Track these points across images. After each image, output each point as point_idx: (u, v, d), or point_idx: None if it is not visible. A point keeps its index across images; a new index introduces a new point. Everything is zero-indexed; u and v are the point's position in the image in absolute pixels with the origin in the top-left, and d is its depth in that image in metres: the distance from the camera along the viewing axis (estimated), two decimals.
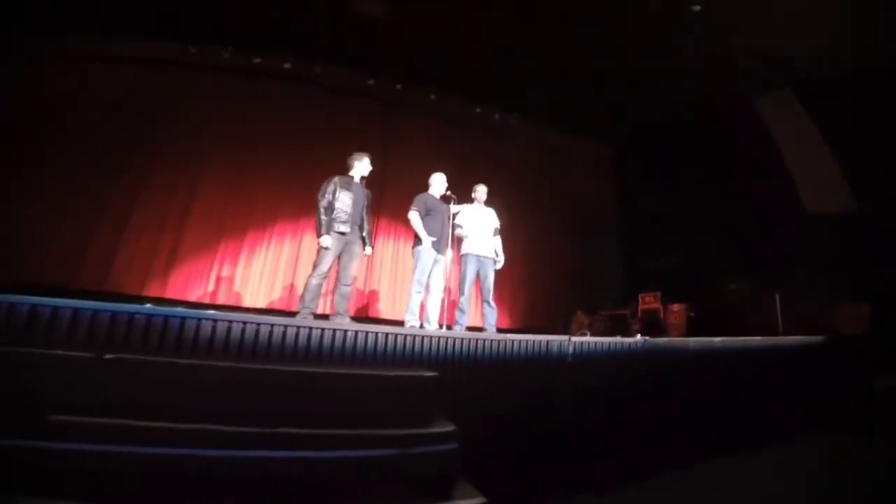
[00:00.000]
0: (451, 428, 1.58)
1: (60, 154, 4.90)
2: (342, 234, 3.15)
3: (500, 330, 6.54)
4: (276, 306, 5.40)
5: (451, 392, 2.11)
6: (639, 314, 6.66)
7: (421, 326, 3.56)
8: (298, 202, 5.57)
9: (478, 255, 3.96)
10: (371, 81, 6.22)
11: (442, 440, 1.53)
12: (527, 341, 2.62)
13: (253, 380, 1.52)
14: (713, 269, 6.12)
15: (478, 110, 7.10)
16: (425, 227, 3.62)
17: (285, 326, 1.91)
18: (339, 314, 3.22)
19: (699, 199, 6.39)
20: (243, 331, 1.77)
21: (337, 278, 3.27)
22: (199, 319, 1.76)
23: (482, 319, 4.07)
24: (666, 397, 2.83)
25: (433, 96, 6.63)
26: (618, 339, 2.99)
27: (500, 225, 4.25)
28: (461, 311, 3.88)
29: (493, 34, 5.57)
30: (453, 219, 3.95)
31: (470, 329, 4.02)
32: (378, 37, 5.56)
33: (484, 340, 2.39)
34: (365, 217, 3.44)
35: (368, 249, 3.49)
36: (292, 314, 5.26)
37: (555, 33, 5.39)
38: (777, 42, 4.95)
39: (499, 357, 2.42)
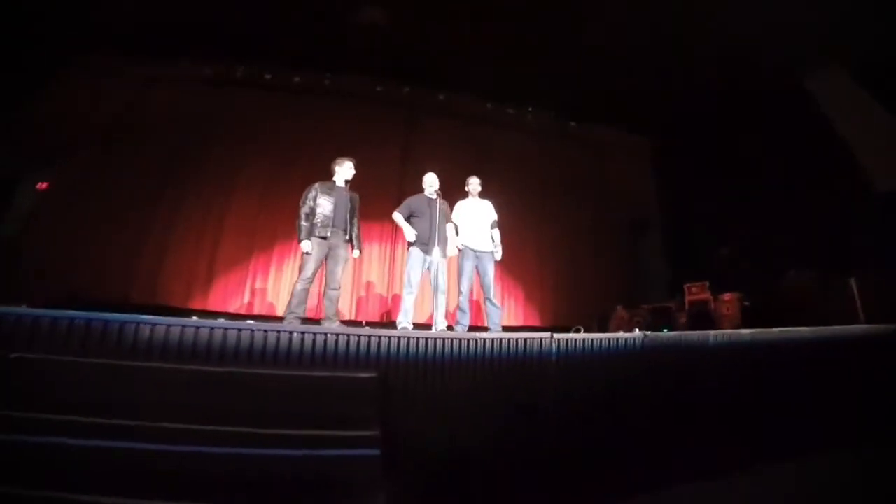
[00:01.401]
0: (371, 433, 1.52)
1: (110, 173, 5.44)
2: (323, 238, 3.23)
3: (506, 329, 6.35)
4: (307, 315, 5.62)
5: (401, 396, 2.04)
6: (686, 306, 6.03)
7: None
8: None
9: (474, 250, 3.82)
10: (379, 88, 6.35)
11: (359, 445, 1.48)
12: (499, 340, 2.46)
13: (190, 380, 1.59)
14: (771, 256, 5.39)
15: (489, 106, 6.93)
16: (413, 228, 3.59)
17: (238, 330, 2.00)
18: (328, 318, 3.30)
19: (751, 185, 5.69)
20: (195, 335, 1.89)
21: (325, 283, 3.35)
22: (149, 324, 1.90)
23: (486, 319, 3.90)
24: (671, 404, 2.48)
25: (442, 97, 6.61)
26: (613, 334, 2.69)
27: (497, 218, 4.07)
28: (461, 310, 3.78)
29: (508, 29, 5.40)
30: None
31: (473, 329, 3.90)
32: (388, 43, 5.67)
33: (440, 340, 2.29)
34: (351, 220, 3.48)
35: (356, 253, 3.54)
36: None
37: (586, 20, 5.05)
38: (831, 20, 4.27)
39: (461, 358, 2.30)
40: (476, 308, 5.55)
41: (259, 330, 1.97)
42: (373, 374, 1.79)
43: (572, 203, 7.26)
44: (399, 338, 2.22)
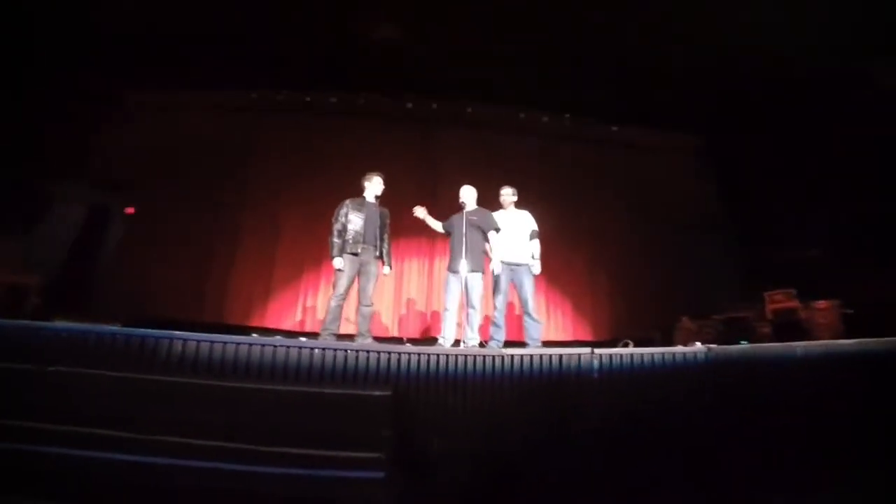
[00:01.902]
0: (376, 455, 1.42)
1: (177, 199, 5.80)
2: (355, 254, 3.25)
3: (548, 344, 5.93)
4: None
5: (418, 415, 1.92)
6: (768, 315, 5.24)
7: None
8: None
9: (508, 263, 3.64)
10: (409, 105, 6.44)
11: (364, 467, 1.39)
12: (529, 356, 2.26)
13: (197, 394, 1.62)
14: (868, 257, 4.50)
15: (522, 116, 6.71)
16: (451, 246, 3.54)
17: (249, 345, 2.03)
18: (361, 335, 3.29)
19: (832, 179, 4.88)
20: (210, 350, 1.95)
21: (358, 299, 3.36)
22: (176, 340, 1.99)
23: (524, 334, 3.67)
24: (741, 431, 2.08)
25: (470, 109, 6.54)
26: (669, 349, 2.34)
27: (537, 229, 3.86)
28: (496, 325, 3.60)
29: (537, 35, 5.28)
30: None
31: (509, 344, 3.69)
32: (405, 58, 5.78)
33: (461, 356, 2.14)
34: (382, 236, 3.48)
35: (386, 269, 3.52)
36: (381, 339, 5.61)
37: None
38: None
39: (485, 376, 2.13)
40: (518, 322, 5.25)
41: (273, 346, 1.99)
42: (387, 393, 1.70)
43: (619, 208, 6.77)
44: (419, 354, 2.12)
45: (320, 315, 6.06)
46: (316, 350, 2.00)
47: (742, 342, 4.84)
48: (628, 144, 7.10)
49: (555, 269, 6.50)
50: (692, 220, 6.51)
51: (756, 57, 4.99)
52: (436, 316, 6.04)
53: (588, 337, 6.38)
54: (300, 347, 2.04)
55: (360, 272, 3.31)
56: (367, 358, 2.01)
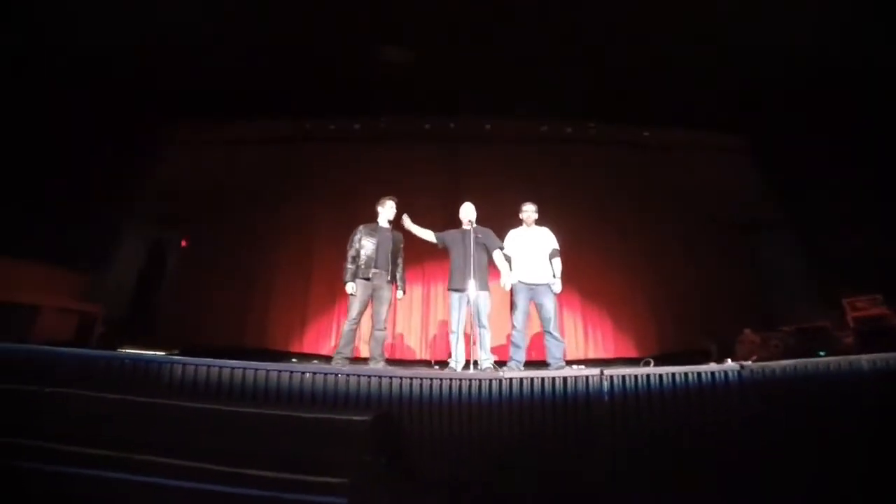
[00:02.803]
0: (340, 480, 1.37)
1: (214, 232, 6.14)
2: (367, 279, 3.28)
3: (586, 362, 5.47)
4: (389, 356, 5.71)
5: (404, 440, 1.84)
6: (851, 324, 4.49)
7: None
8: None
9: (527, 283, 3.48)
10: (427, 126, 6.55)
11: (324, 491, 1.34)
12: (530, 379, 2.10)
13: (175, 416, 1.68)
14: None
15: (545, 129, 6.57)
16: (451, 263, 3.48)
17: (242, 369, 2.08)
18: (374, 359, 3.28)
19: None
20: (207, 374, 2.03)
21: (372, 324, 3.37)
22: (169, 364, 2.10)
23: (546, 353, 3.46)
24: (791, 467, 1.75)
25: (488, 126, 6.51)
26: (695, 368, 2.06)
27: (558, 246, 3.69)
28: (515, 346, 3.43)
29: (560, 44, 5.22)
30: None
31: (529, 364, 3.49)
32: (427, 79, 5.90)
33: (454, 380, 2.03)
34: (395, 261, 3.49)
35: (400, 293, 3.51)
36: (409, 363, 5.59)
37: None
38: None
39: (481, 401, 2.00)
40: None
41: (266, 370, 2.03)
42: (365, 418, 1.65)
43: (660, 214, 6.28)
44: (412, 378, 2.05)
45: (357, 341, 6.17)
46: (306, 374, 2.02)
47: (821, 354, 4.18)
48: (664, 147, 6.67)
49: (591, 284, 6.17)
50: (743, 220, 5.87)
51: (800, 48, 4.54)
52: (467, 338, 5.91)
53: (634, 354, 5.88)
54: (291, 372, 2.07)
55: (373, 297, 3.33)
56: (358, 382, 1.99)
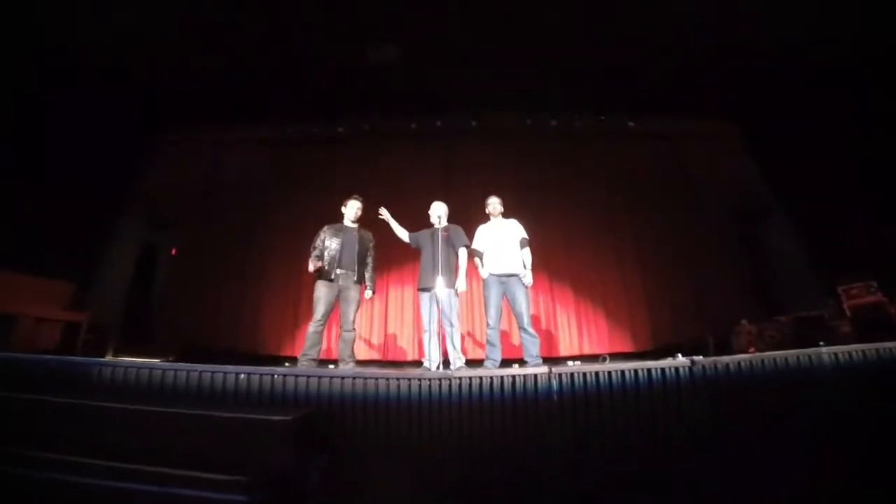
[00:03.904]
0: (237, 478, 1.34)
1: (209, 236, 6.14)
2: (331, 280, 3.26)
3: (582, 358, 5.38)
4: (381, 357, 5.69)
5: (332, 440, 1.82)
6: (847, 312, 4.31)
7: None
8: (387, 255, 5.54)
9: (498, 275, 3.42)
10: (414, 125, 6.50)
11: (224, 489, 1.31)
12: (480, 379, 2.05)
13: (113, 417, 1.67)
14: None
15: (529, 122, 6.46)
16: (422, 262, 3.44)
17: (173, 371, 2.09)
18: (342, 360, 3.26)
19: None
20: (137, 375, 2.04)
21: (339, 325, 3.36)
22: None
23: (523, 351, 3.39)
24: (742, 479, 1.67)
25: (475, 122, 6.43)
26: (645, 364, 1.98)
27: (527, 236, 3.63)
28: (491, 344, 3.37)
29: (541, 37, 5.12)
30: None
31: (506, 362, 3.43)
32: (411, 78, 5.84)
33: (391, 380, 1.99)
34: (364, 261, 3.47)
35: (368, 293, 3.49)
36: (400, 364, 5.55)
37: None
38: None
39: (420, 402, 1.96)
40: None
41: (198, 371, 2.04)
42: (287, 418, 1.63)
43: (654, 205, 6.14)
44: (341, 378, 2.04)
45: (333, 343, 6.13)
46: (241, 375, 2.02)
47: (821, 344, 4.01)
48: (652, 138, 6.51)
49: (581, 278, 6.07)
50: (738, 208, 5.68)
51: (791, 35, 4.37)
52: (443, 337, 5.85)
53: (629, 348, 5.77)
54: (224, 373, 2.06)
55: (340, 297, 3.31)
56: (295, 382, 1.98)
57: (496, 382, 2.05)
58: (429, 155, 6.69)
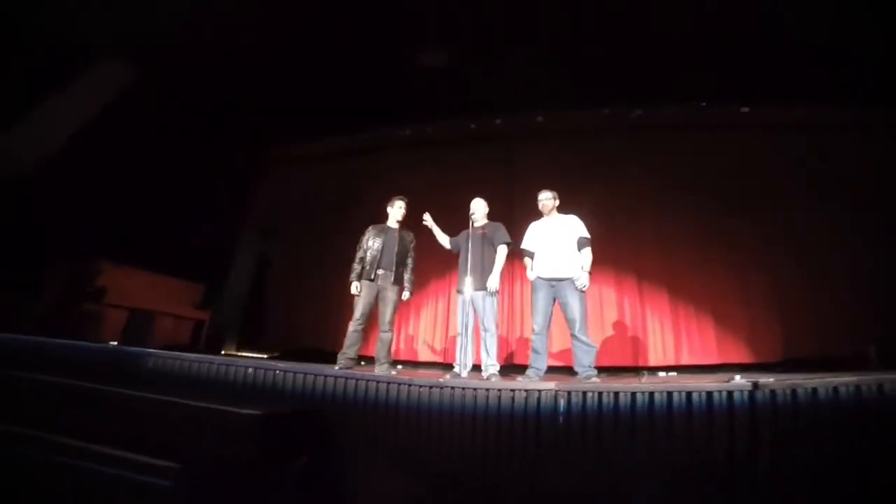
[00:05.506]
0: (170, 465, 1.36)
1: (301, 245, 6.77)
2: (371, 280, 3.30)
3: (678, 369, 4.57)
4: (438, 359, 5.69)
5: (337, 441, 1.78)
6: None
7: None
8: (443, 259, 5.47)
9: (548, 279, 3.07)
10: (473, 125, 6.30)
11: (152, 473, 1.35)
12: (475, 391, 1.82)
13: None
14: None
15: (606, 112, 5.69)
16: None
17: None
18: (379, 361, 3.26)
19: None
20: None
21: (378, 325, 3.38)
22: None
23: (573, 360, 2.98)
24: None
25: (540, 118, 5.94)
26: (685, 385, 1.49)
27: (587, 235, 3.18)
28: (535, 351, 3.05)
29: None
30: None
31: (552, 371, 3.04)
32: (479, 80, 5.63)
33: (388, 384, 1.88)
34: (404, 262, 3.44)
35: (406, 295, 3.43)
36: (447, 366, 5.47)
37: None
38: None
39: (409, 409, 1.81)
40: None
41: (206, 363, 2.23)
42: (255, 412, 1.63)
43: (783, 203, 5.01)
44: (346, 379, 2.00)
45: (415, 343, 6.30)
46: (249, 369, 2.15)
47: None
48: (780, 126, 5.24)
49: (682, 280, 5.13)
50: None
51: None
52: (521, 341, 5.50)
53: (745, 359, 4.73)
54: (236, 367, 2.22)
55: (378, 297, 3.35)
56: (292, 378, 2.03)
57: (492, 396, 1.78)
58: (490, 157, 6.47)
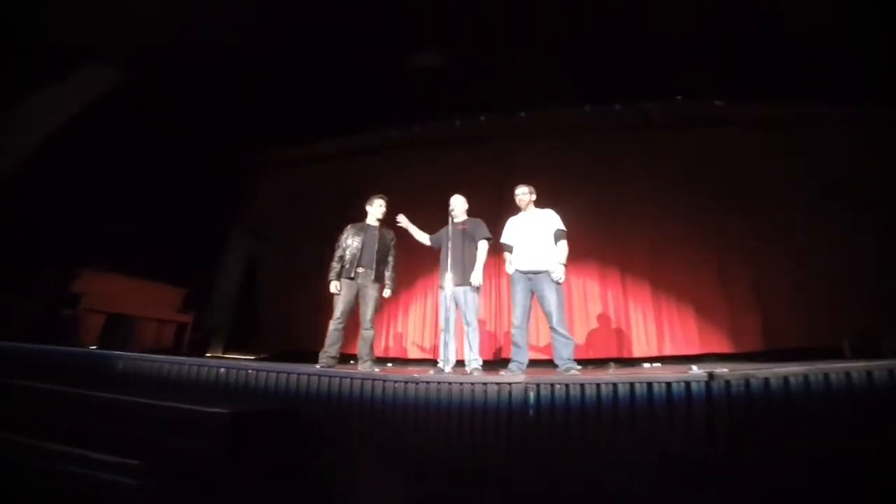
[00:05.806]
0: (134, 462, 1.37)
1: (294, 245, 6.54)
2: (351, 278, 3.30)
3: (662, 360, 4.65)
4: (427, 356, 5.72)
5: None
6: None
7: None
8: (431, 257, 5.42)
9: (525, 272, 3.10)
10: (470, 125, 6.27)
11: (116, 472, 1.36)
12: (449, 385, 1.85)
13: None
14: None
15: (588, 109, 5.69)
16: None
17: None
18: (361, 358, 3.27)
19: None
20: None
21: (359, 323, 3.38)
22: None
23: (553, 352, 3.02)
24: None
25: (523, 114, 5.92)
26: (645, 375, 1.53)
27: (562, 227, 3.20)
28: (516, 345, 3.08)
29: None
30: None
31: (534, 364, 3.09)
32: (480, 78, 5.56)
33: (358, 380, 1.89)
34: (384, 259, 3.45)
35: (387, 292, 3.44)
36: (437, 362, 5.49)
37: None
38: None
39: (378, 404, 1.83)
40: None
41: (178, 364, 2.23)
42: (223, 411, 1.64)
43: (771, 199, 5.10)
44: (319, 376, 2.01)
45: (404, 341, 6.29)
46: (221, 370, 2.15)
47: None
48: (769, 123, 5.30)
49: (665, 271, 5.20)
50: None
51: None
52: (507, 336, 5.53)
53: (727, 349, 4.82)
54: (208, 367, 2.22)
55: (358, 296, 3.35)
56: (266, 377, 2.04)
57: (466, 390, 1.81)
58: (488, 157, 6.45)
